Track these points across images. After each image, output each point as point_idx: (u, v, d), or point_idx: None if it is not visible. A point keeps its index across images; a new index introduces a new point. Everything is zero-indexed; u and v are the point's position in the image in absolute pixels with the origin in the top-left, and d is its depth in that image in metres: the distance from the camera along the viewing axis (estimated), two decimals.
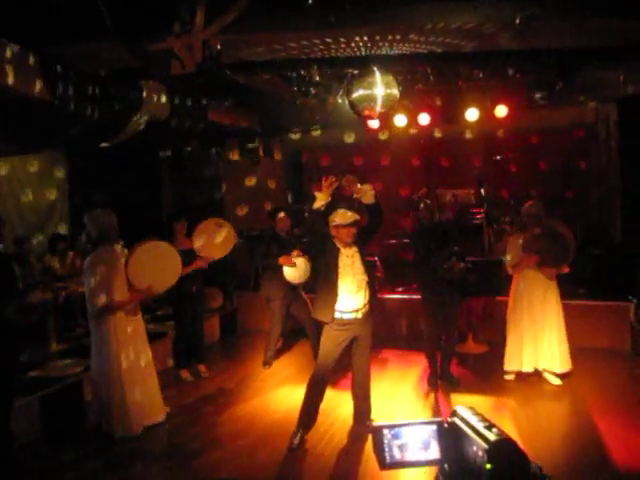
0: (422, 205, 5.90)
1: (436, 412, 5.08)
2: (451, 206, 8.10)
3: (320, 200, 4.36)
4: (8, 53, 4.56)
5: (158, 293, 5.01)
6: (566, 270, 5.55)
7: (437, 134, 9.42)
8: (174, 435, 4.88)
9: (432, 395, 5.48)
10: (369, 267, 4.56)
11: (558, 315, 5.59)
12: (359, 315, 4.41)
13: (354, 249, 4.46)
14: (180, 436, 4.84)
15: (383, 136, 9.31)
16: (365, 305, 4.45)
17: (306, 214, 4.67)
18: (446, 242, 5.52)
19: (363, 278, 4.43)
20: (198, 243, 5.86)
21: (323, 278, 4.46)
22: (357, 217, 4.40)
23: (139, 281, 4.68)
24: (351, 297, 4.37)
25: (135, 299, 4.75)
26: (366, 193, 4.45)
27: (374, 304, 4.56)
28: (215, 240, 5.97)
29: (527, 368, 5.62)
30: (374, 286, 4.65)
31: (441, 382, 5.65)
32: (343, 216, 4.39)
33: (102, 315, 4.56)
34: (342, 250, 4.43)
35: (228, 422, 5.11)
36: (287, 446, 4.42)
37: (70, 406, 5.15)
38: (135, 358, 4.75)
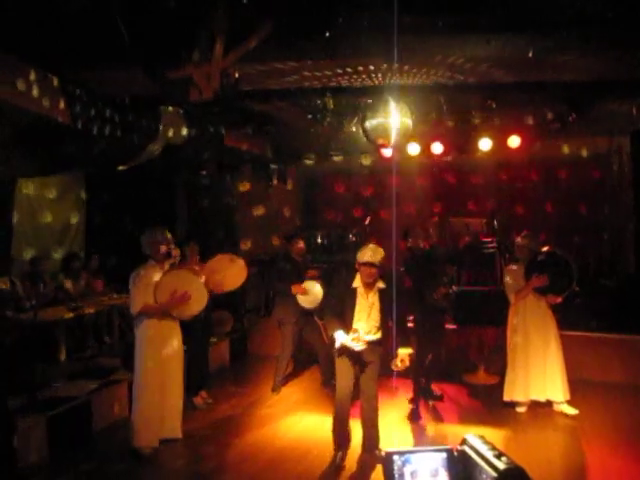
0: (411, 234, 6.00)
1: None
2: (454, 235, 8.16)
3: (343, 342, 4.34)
4: (32, 76, 4.69)
5: (180, 316, 5.05)
6: (559, 300, 5.55)
7: (449, 163, 9.47)
8: (182, 458, 4.86)
9: (437, 424, 5.51)
10: (388, 313, 4.47)
11: (558, 344, 5.60)
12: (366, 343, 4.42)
13: (375, 294, 4.45)
14: (188, 459, 4.82)
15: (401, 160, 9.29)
16: (373, 337, 4.47)
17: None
18: (435, 271, 5.60)
19: (376, 325, 4.46)
20: (209, 277, 5.71)
21: (339, 309, 4.48)
22: (381, 257, 4.36)
23: (160, 299, 4.81)
24: (361, 331, 4.41)
25: (161, 307, 4.82)
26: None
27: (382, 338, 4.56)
28: (227, 275, 5.89)
29: (532, 397, 5.59)
30: (387, 329, 4.56)
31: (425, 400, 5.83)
32: (368, 254, 4.35)
33: (138, 322, 4.83)
34: (362, 291, 4.44)
35: (236, 447, 5.08)
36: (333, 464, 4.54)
37: (79, 427, 5.15)
38: (162, 370, 4.87)
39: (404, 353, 4.33)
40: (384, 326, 4.52)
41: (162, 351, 4.89)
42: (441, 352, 6.07)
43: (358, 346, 4.34)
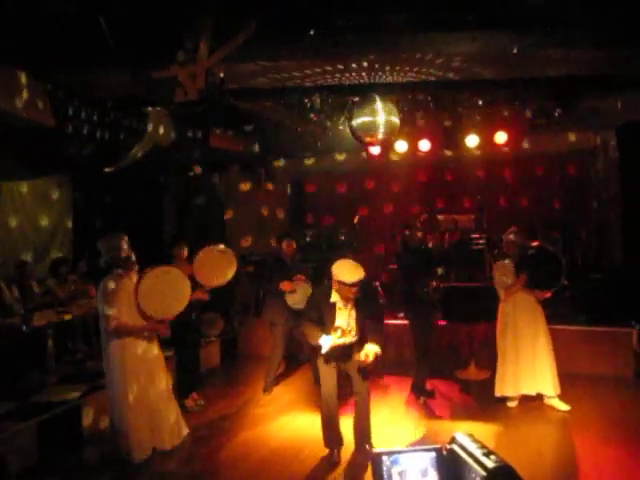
0: (409, 229, 6.08)
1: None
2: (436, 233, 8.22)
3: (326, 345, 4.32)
4: (21, 80, 4.65)
5: (168, 319, 4.95)
6: (548, 295, 5.59)
7: (437, 159, 9.49)
8: (174, 459, 4.83)
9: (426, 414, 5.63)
10: (363, 326, 4.47)
11: (548, 338, 5.63)
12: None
13: (352, 306, 4.41)
14: (180, 460, 4.79)
15: (389, 157, 9.31)
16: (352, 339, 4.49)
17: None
18: (428, 266, 5.64)
19: (354, 338, 4.44)
20: (198, 271, 5.66)
21: (317, 319, 4.45)
22: (362, 275, 4.26)
23: (148, 305, 4.63)
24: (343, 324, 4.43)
25: (147, 329, 4.70)
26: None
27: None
28: (216, 267, 5.82)
29: (523, 391, 5.62)
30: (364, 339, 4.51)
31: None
32: (348, 274, 4.24)
33: (112, 338, 4.57)
34: (340, 305, 4.40)
35: (229, 447, 5.07)
36: (328, 463, 4.57)
37: (68, 432, 5.11)
38: (145, 382, 4.70)
39: (371, 349, 4.25)
40: (361, 329, 4.50)
41: (145, 367, 4.71)
42: (431, 349, 6.10)
43: (348, 339, 4.36)
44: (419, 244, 6.12)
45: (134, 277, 4.70)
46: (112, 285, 4.53)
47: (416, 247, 6.07)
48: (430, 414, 5.65)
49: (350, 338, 4.41)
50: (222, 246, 5.97)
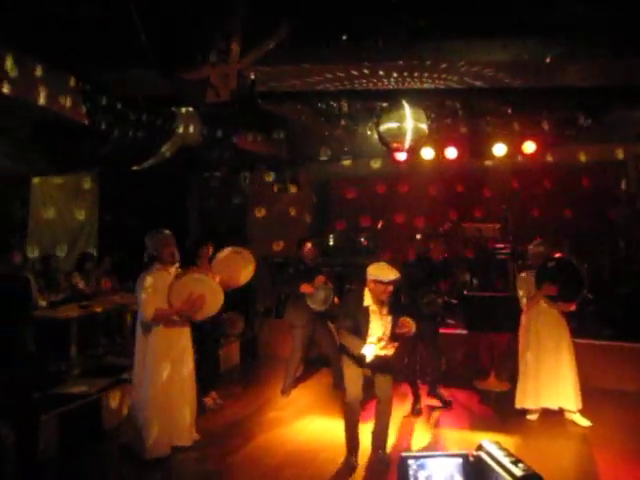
0: (417, 237, 6.02)
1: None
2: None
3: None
4: (51, 76, 4.74)
5: (196, 318, 4.99)
6: (572, 308, 5.51)
7: (463, 168, 9.41)
8: (190, 458, 4.85)
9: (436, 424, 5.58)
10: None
11: (571, 352, 5.55)
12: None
13: (387, 311, 4.42)
14: (196, 459, 4.82)
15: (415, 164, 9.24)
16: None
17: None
18: (431, 277, 5.56)
19: (389, 343, 4.40)
20: (218, 272, 5.69)
21: (352, 327, 4.42)
22: (398, 275, 4.30)
23: (175, 300, 4.72)
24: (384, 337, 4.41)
25: (179, 310, 4.75)
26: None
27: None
28: (235, 269, 5.87)
29: (544, 405, 5.54)
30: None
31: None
32: (384, 272, 4.30)
33: (145, 329, 4.72)
34: (374, 308, 4.40)
35: (245, 448, 5.07)
36: (346, 467, 4.57)
37: (89, 424, 5.18)
38: (171, 375, 4.75)
39: (409, 320, 4.29)
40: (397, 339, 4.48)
41: (173, 361, 4.77)
42: (439, 363, 6.10)
43: (390, 351, 4.32)
44: (433, 260, 6.01)
45: (172, 272, 4.82)
46: (150, 278, 4.68)
47: (421, 257, 6.05)
48: (448, 423, 5.61)
49: (392, 350, 4.35)
50: (241, 249, 6.02)
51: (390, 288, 4.30)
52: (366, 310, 4.39)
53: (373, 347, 4.29)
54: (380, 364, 4.47)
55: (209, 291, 4.91)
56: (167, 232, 4.88)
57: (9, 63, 4.43)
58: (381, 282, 4.28)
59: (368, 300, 4.41)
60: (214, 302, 4.97)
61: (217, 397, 6.20)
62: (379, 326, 4.40)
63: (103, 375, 6.00)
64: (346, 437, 4.68)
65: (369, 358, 4.30)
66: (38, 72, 4.73)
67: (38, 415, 4.29)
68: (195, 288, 4.77)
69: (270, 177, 9.72)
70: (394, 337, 4.42)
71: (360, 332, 4.36)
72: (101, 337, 7.42)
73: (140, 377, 4.77)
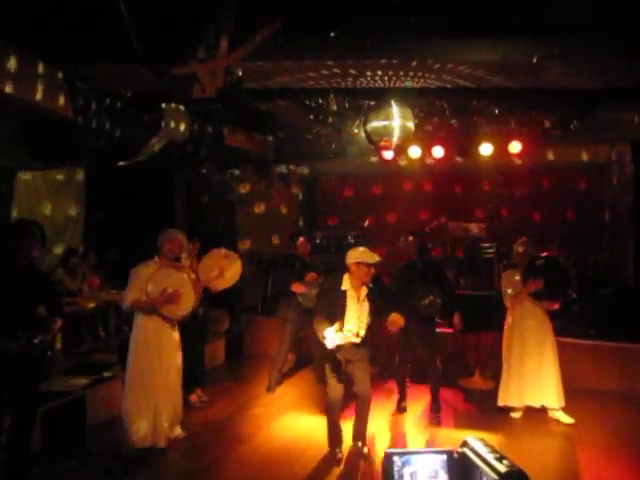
0: (402, 240, 5.96)
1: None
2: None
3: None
4: (40, 69, 4.68)
5: (170, 316, 4.95)
6: (556, 307, 5.55)
7: (450, 167, 9.45)
8: (175, 455, 4.83)
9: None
10: (376, 313, 4.50)
11: (554, 350, 5.59)
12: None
13: (364, 293, 4.45)
14: (179, 458, 4.79)
15: (402, 163, 9.23)
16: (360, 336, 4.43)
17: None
18: (426, 279, 5.59)
19: (364, 325, 4.42)
20: (204, 274, 5.71)
21: (327, 311, 4.44)
22: (379, 258, 4.43)
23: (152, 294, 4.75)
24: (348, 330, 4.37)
25: (153, 301, 4.73)
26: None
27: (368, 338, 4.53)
28: (221, 271, 5.85)
29: (527, 403, 5.58)
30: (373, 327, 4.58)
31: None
32: (368, 255, 4.39)
33: (134, 318, 4.84)
34: (352, 293, 4.43)
35: (231, 445, 5.06)
36: (333, 459, 4.60)
37: (72, 421, 5.14)
38: (153, 368, 4.75)
39: (398, 317, 4.35)
40: (370, 326, 4.50)
41: (157, 354, 4.77)
42: (435, 367, 5.90)
43: (351, 339, 4.30)
44: (426, 260, 5.93)
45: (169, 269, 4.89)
46: (141, 269, 4.80)
47: (422, 264, 5.84)
48: (433, 421, 5.63)
49: (355, 339, 4.33)
50: (228, 251, 6.05)
51: (372, 270, 4.39)
52: (343, 294, 4.43)
53: (332, 331, 4.18)
54: (355, 356, 4.49)
55: (183, 290, 4.87)
56: (177, 231, 5.07)
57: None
58: (365, 264, 4.36)
59: (347, 284, 4.45)
60: (186, 302, 4.90)
61: (202, 394, 6.17)
62: (355, 311, 4.41)
63: (87, 372, 5.94)
64: (328, 433, 4.72)
65: (329, 341, 4.18)
66: (26, 66, 4.67)
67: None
68: (170, 283, 4.79)
69: (258, 174, 9.69)
70: (369, 326, 4.45)
71: (336, 316, 4.35)
72: (86, 334, 7.36)
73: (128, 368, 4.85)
